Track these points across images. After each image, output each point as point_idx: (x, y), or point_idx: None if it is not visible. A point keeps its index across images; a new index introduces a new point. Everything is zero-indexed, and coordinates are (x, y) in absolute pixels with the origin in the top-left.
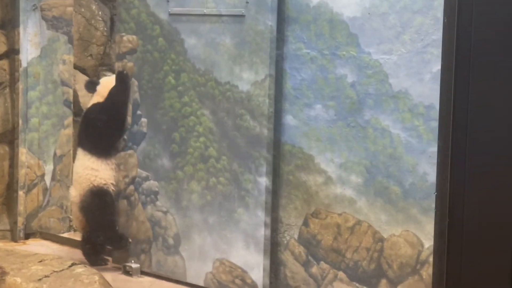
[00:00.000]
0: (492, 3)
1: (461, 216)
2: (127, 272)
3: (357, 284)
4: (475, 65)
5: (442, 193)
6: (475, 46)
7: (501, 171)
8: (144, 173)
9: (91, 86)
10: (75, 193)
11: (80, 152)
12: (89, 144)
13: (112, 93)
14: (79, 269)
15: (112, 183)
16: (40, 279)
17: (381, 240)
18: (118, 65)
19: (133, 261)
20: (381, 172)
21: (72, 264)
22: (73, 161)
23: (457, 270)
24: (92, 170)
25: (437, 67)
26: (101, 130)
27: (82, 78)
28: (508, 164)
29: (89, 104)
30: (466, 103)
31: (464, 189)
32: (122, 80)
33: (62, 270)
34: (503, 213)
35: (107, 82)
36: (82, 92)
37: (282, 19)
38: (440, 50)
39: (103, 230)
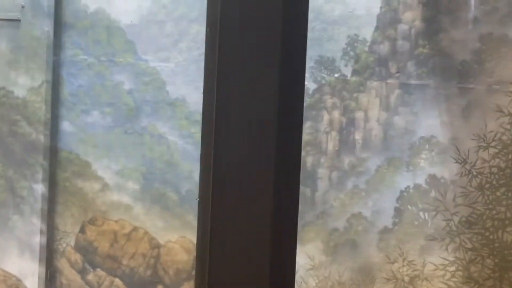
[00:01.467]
0: (252, 11)
1: (223, 221)
2: None
3: None
4: (237, 70)
5: (205, 198)
6: (236, 52)
7: (261, 173)
8: None
9: None
10: None
11: None
12: None
13: None
14: None
15: None
16: None
17: (158, 246)
18: None
19: None
20: (158, 179)
21: None
22: None
23: (219, 279)
24: None
25: None
26: None
27: None
28: (267, 169)
29: None
30: (227, 108)
31: (225, 194)
32: None
33: None
34: (263, 216)
35: None
36: None
37: (59, 25)
38: None
39: None
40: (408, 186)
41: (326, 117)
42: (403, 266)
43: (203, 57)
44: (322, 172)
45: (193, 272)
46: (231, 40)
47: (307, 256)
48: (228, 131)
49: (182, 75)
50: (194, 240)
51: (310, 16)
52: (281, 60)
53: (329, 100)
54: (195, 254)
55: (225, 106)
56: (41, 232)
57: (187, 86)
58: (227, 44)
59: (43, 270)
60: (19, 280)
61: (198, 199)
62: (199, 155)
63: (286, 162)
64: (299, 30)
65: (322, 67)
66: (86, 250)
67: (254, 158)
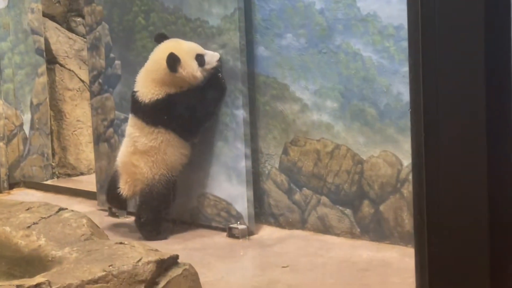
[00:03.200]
0: None
1: (437, 130)
2: (113, 214)
3: (340, 207)
4: None
5: (416, 108)
6: None
7: (472, 82)
8: (122, 115)
9: (201, 60)
10: (148, 173)
11: (174, 137)
12: (185, 129)
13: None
14: (67, 214)
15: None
16: (29, 227)
17: (361, 162)
18: (86, 10)
19: None
20: (356, 96)
21: (59, 210)
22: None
23: (436, 183)
24: (183, 156)
25: None
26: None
27: (52, 25)
28: (475, 75)
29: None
30: (434, 19)
31: (437, 102)
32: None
33: (50, 216)
34: (477, 123)
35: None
36: (53, 40)
37: None
38: None
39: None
40: None
41: None
42: None
43: None
44: None
45: (398, 185)
46: None
47: None
48: (434, 41)
49: None
50: (397, 153)
51: None
52: None
53: None
54: (399, 167)
55: (430, 17)
56: (246, 156)
57: (378, 1)
58: None
59: (251, 193)
60: (229, 204)
61: (410, 109)
62: (395, 68)
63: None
64: None
65: None
66: (290, 170)
67: (463, 65)
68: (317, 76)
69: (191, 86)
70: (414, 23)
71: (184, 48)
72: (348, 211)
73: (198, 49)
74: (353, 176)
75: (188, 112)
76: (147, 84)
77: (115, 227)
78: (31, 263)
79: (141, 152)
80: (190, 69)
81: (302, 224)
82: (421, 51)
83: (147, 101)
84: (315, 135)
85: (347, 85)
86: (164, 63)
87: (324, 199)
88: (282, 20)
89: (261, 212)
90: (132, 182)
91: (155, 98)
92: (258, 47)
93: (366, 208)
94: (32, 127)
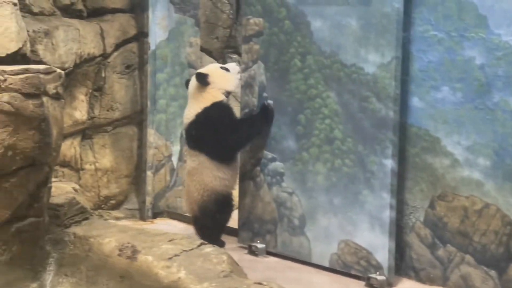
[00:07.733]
0: None
1: None
2: (253, 252)
3: (485, 268)
4: None
5: None
6: None
7: None
8: (270, 155)
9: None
10: (194, 192)
11: (206, 159)
12: (216, 152)
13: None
14: (208, 249)
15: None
16: (170, 258)
17: (510, 223)
18: (244, 48)
19: (258, 241)
20: (510, 155)
21: (201, 244)
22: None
23: None
24: (220, 179)
25: None
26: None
27: (208, 60)
28: None
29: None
30: None
31: None
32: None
33: (192, 249)
34: None
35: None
36: None
37: (409, 1)
38: None
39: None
40: None
41: None
42: None
43: None
44: None
45: None
46: None
47: None
48: None
49: None
50: None
51: None
52: None
53: None
54: None
55: None
56: (391, 206)
57: None
58: None
59: (393, 244)
60: (370, 253)
61: None
62: None
63: None
64: None
65: None
66: (435, 225)
67: None
68: (471, 132)
69: (217, 101)
70: None
71: (209, 67)
72: (493, 272)
73: (219, 64)
74: (501, 237)
75: (215, 132)
76: (186, 113)
77: (253, 265)
78: None
79: (188, 173)
80: (219, 81)
81: (443, 281)
82: None
83: (185, 127)
84: (464, 191)
85: (502, 143)
86: (194, 84)
87: (468, 257)
88: (440, 72)
89: (402, 264)
90: (187, 200)
91: (189, 122)
92: (413, 98)
93: None
94: (180, 158)
